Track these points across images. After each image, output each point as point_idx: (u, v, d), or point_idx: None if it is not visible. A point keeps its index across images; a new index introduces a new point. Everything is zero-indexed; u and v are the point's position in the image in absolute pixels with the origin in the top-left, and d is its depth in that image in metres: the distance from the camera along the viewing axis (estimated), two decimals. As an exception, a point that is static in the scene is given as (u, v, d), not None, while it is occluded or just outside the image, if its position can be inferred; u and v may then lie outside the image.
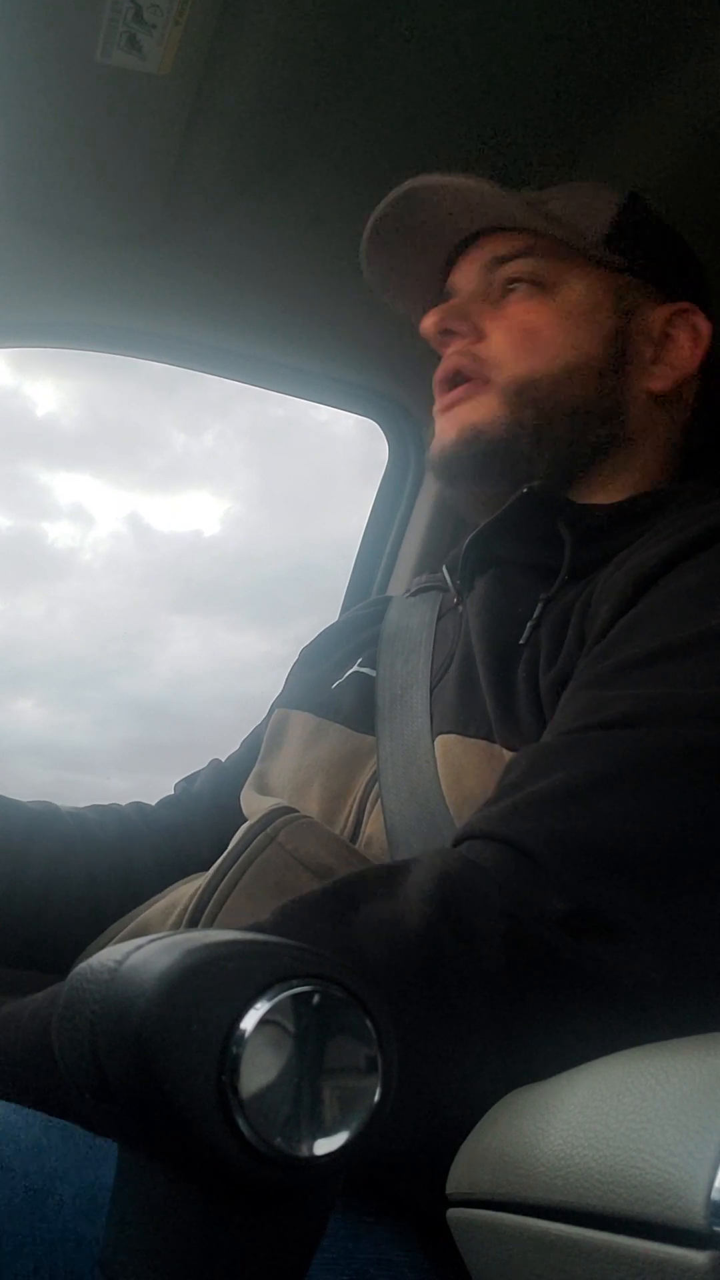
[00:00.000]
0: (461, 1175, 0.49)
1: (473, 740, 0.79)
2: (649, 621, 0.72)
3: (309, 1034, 0.34)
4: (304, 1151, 0.33)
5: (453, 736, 0.81)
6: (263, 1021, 0.33)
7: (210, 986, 0.33)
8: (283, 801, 0.85)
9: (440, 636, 0.94)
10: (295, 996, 0.34)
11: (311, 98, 1.05)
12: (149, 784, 1.16)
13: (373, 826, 0.81)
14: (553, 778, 0.62)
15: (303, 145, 1.11)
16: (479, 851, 0.60)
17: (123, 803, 1.13)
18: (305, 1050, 0.34)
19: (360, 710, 0.92)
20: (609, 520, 0.86)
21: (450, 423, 0.92)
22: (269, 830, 0.79)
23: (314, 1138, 0.33)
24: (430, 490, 1.47)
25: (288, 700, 1.04)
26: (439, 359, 0.96)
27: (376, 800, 0.83)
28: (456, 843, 0.64)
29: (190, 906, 0.77)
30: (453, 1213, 0.49)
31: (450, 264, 0.98)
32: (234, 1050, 0.33)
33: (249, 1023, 0.33)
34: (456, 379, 0.92)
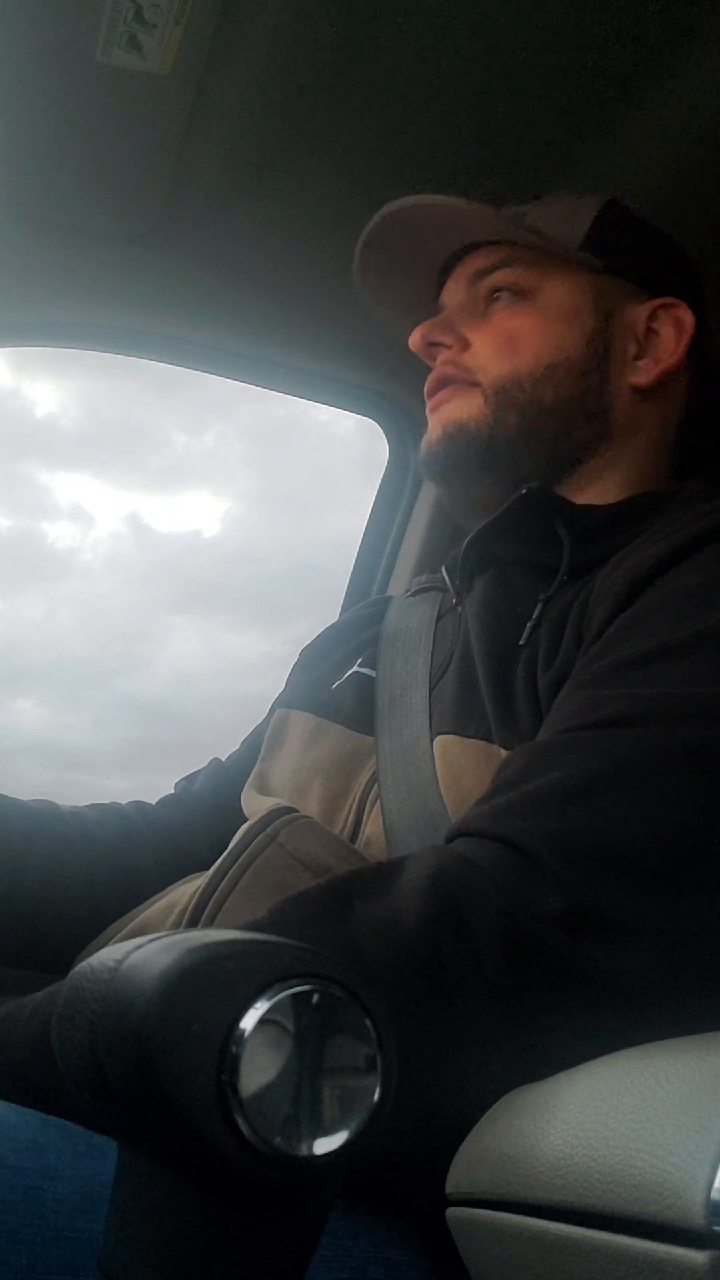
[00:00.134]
0: (461, 1174, 0.49)
1: (471, 740, 0.79)
2: (646, 621, 0.72)
3: (308, 1033, 0.34)
4: (303, 1151, 0.33)
5: (451, 737, 0.81)
6: (262, 1021, 0.33)
7: (210, 986, 0.33)
8: (283, 801, 0.85)
9: (440, 637, 0.94)
10: (295, 996, 0.34)
11: (311, 98, 1.05)
12: (149, 784, 1.16)
13: (372, 827, 0.82)
14: (549, 776, 0.62)
15: (303, 145, 1.11)
16: (475, 849, 0.60)
17: (123, 802, 1.13)
18: (305, 1049, 0.34)
19: (360, 710, 0.92)
20: (608, 520, 0.86)
21: (436, 421, 0.95)
22: (269, 830, 0.79)
23: (313, 1137, 0.34)
24: (430, 490, 1.47)
25: (288, 700, 1.04)
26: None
27: (376, 800, 0.83)
28: (451, 838, 0.64)
29: (190, 906, 0.77)
30: (452, 1212, 0.49)
31: (441, 283, 1.02)
32: (233, 1050, 0.33)
33: (249, 1022, 0.33)
34: (444, 385, 0.95)
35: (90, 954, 0.41)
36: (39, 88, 1.00)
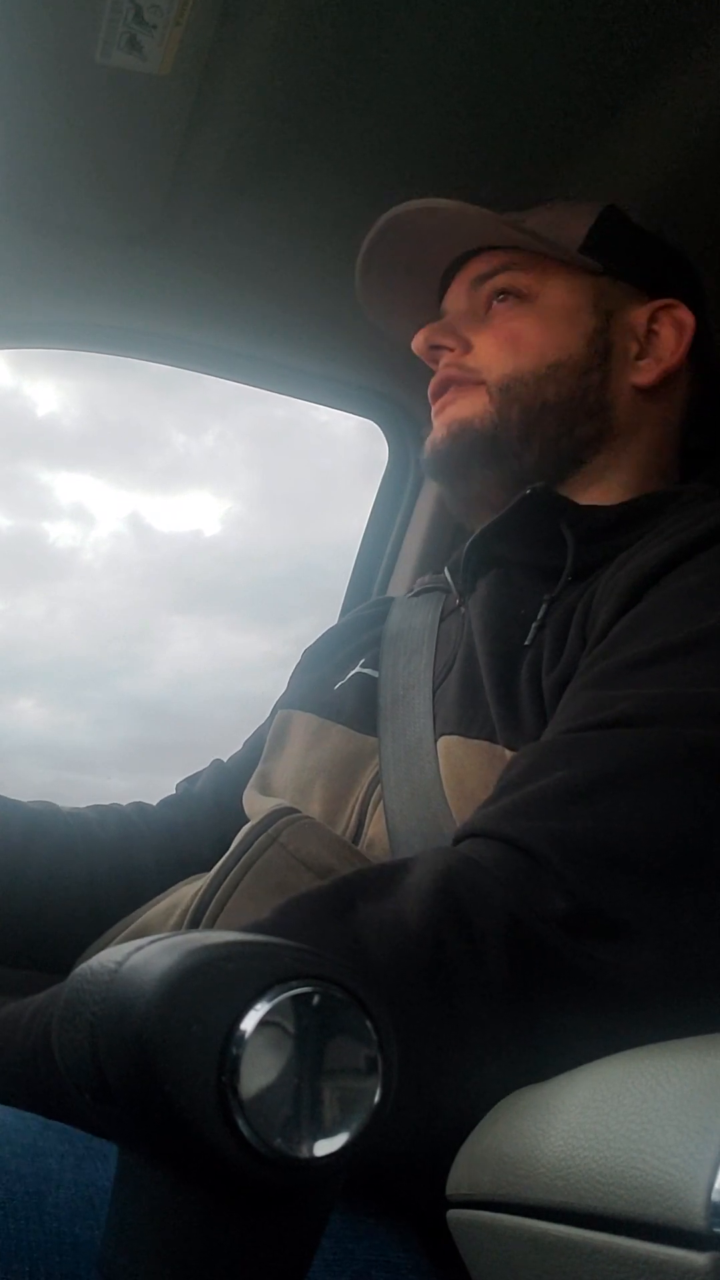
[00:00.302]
0: (462, 1176, 0.49)
1: (475, 741, 0.79)
2: (650, 621, 0.72)
3: (309, 1035, 0.34)
4: (304, 1152, 0.33)
5: (455, 738, 0.81)
6: (263, 1022, 0.33)
7: (210, 987, 0.33)
8: (284, 802, 0.85)
9: (443, 637, 0.94)
10: (295, 997, 0.34)
11: (311, 98, 1.05)
12: (149, 784, 1.16)
13: (375, 828, 0.81)
14: (554, 777, 0.62)
15: (303, 145, 1.10)
16: (479, 850, 0.60)
17: (123, 802, 1.13)
18: (305, 1051, 0.34)
19: (363, 711, 0.92)
20: (612, 521, 0.86)
21: (441, 422, 0.96)
22: (271, 831, 0.79)
23: (314, 1138, 0.33)
24: (430, 491, 1.47)
25: (290, 701, 1.05)
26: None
27: (379, 802, 0.83)
28: (457, 841, 0.64)
29: (191, 907, 0.77)
30: (453, 1214, 0.49)
31: (443, 288, 1.03)
32: (234, 1051, 0.33)
33: (249, 1024, 0.33)
34: (448, 386, 0.96)
35: (91, 955, 0.41)
36: (39, 88, 1.00)
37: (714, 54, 0.97)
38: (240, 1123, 0.32)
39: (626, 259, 0.97)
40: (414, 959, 0.55)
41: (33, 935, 0.96)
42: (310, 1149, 0.33)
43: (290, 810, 0.82)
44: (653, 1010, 0.55)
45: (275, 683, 1.12)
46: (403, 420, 1.48)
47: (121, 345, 1.36)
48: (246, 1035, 0.33)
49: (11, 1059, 0.57)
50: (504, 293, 0.96)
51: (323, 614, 1.56)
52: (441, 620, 0.97)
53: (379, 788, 0.84)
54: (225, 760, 1.15)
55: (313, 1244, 0.36)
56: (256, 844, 0.79)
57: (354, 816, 0.84)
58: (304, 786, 0.90)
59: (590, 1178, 0.38)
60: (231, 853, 0.80)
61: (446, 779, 0.79)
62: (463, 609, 0.94)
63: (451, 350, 0.96)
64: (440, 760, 0.81)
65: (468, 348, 0.96)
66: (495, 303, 0.97)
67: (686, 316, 0.95)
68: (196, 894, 0.78)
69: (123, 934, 0.86)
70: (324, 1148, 0.34)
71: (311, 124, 1.08)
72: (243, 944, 0.35)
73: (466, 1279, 0.48)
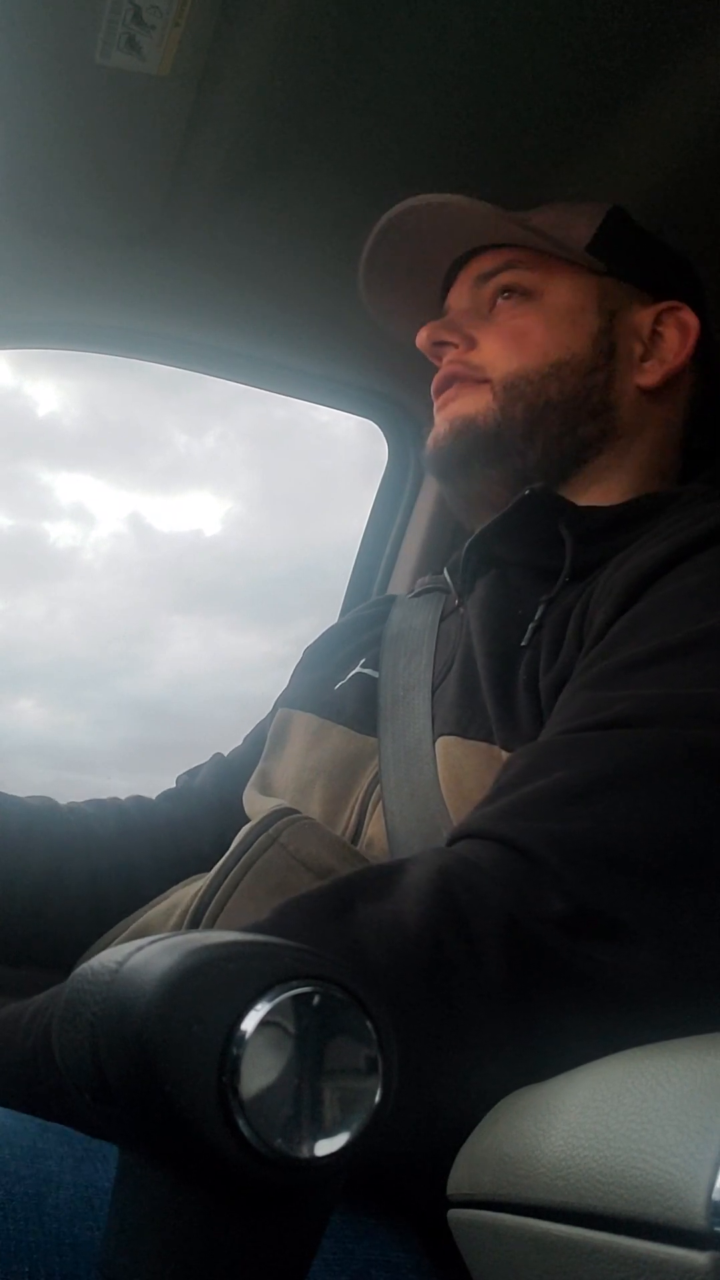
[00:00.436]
0: (462, 1176, 0.49)
1: (472, 742, 0.79)
2: (648, 622, 0.72)
3: (309, 1035, 0.34)
4: (305, 1152, 0.33)
5: (453, 738, 0.81)
6: (263, 1023, 0.33)
7: (211, 988, 0.33)
8: (284, 802, 0.85)
9: (443, 637, 0.94)
10: (295, 998, 0.34)
11: (311, 98, 1.04)
12: (149, 784, 1.16)
13: (374, 828, 0.81)
14: (551, 777, 0.62)
15: (303, 145, 1.10)
16: (476, 851, 0.60)
17: (122, 798, 1.13)
18: (306, 1051, 0.34)
19: (363, 711, 0.92)
20: (610, 522, 0.86)
21: (444, 418, 0.96)
22: (270, 831, 0.79)
23: (315, 1139, 0.33)
24: (430, 491, 1.47)
25: (291, 700, 1.05)
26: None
27: (378, 802, 0.83)
28: (453, 841, 0.63)
29: (191, 908, 0.77)
30: (454, 1213, 0.49)
31: (446, 286, 1.03)
32: (234, 1051, 0.33)
33: (249, 1024, 0.33)
34: (452, 383, 0.96)
35: (92, 956, 0.41)
36: (39, 89, 1.00)
37: (714, 54, 0.97)
38: (241, 1123, 0.32)
39: (631, 260, 0.97)
40: (412, 959, 0.55)
41: (32, 932, 0.96)
42: (311, 1149, 0.33)
43: (290, 811, 0.82)
44: (652, 1011, 0.55)
45: (275, 683, 1.13)
46: (403, 420, 1.48)
47: (122, 345, 1.36)
48: (247, 1035, 0.33)
49: (11, 1060, 0.57)
50: (508, 290, 0.96)
51: (323, 614, 1.56)
52: (441, 620, 0.97)
53: (379, 788, 0.84)
54: (226, 755, 1.15)
55: (313, 1244, 0.36)
56: (256, 844, 0.79)
57: (354, 817, 0.84)
58: (304, 786, 0.90)
59: (591, 1177, 0.38)
60: (231, 853, 0.80)
61: (444, 780, 0.79)
62: (462, 609, 0.94)
63: (455, 347, 0.96)
64: (439, 761, 0.81)
65: (472, 344, 0.96)
66: (499, 300, 0.97)
67: (691, 318, 0.96)
68: (197, 894, 0.78)
69: (123, 934, 0.86)
70: (324, 1148, 0.34)
71: (311, 124, 1.08)
72: (243, 944, 0.35)
73: (467, 1279, 0.48)
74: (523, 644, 0.81)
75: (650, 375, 0.95)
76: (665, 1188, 0.35)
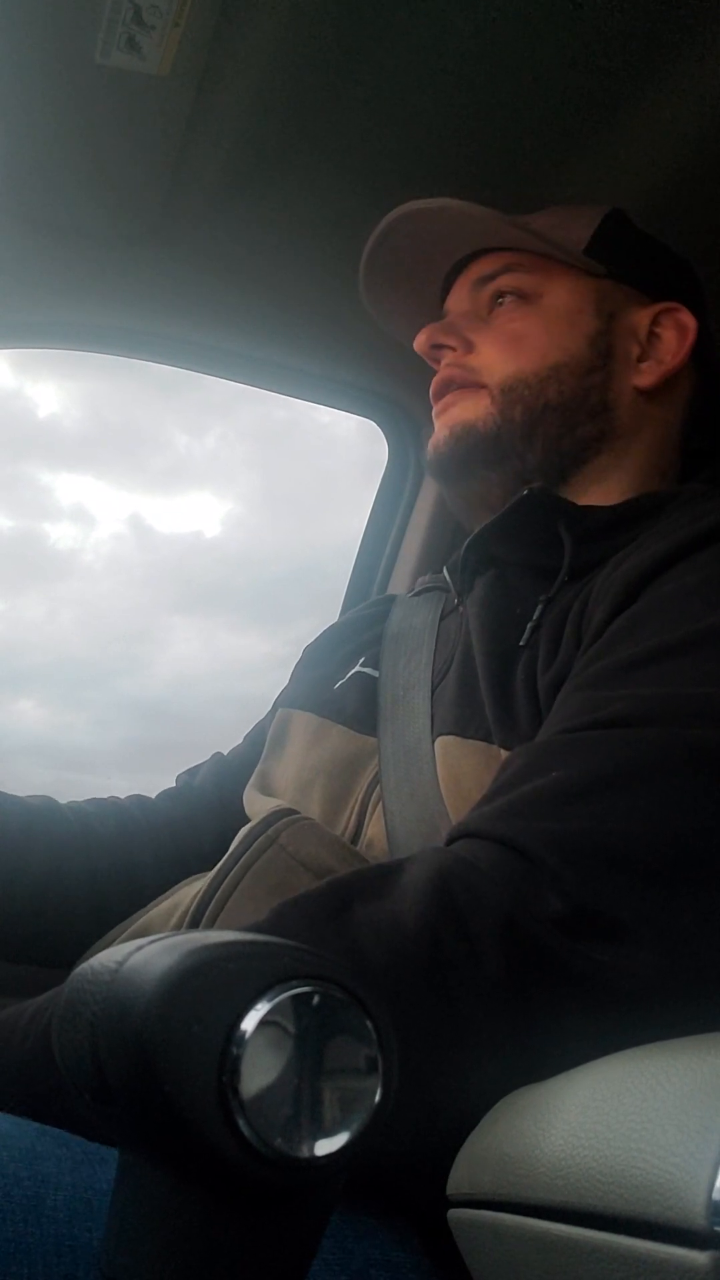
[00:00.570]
0: (462, 1176, 0.49)
1: (471, 741, 0.79)
2: (647, 621, 0.72)
3: (309, 1035, 0.34)
4: (305, 1152, 0.33)
5: (452, 738, 0.81)
6: (263, 1022, 0.33)
7: (210, 987, 0.33)
8: (284, 803, 0.85)
9: (443, 637, 0.94)
10: (295, 997, 0.34)
11: (311, 98, 1.04)
12: (149, 784, 1.16)
13: (374, 828, 0.81)
14: (549, 776, 0.62)
15: (303, 145, 1.10)
16: (475, 850, 0.60)
17: (122, 797, 1.13)
18: (305, 1051, 0.34)
19: (363, 711, 0.92)
20: (609, 521, 0.86)
21: (443, 424, 0.96)
22: (270, 832, 0.79)
23: (315, 1138, 0.33)
24: (430, 491, 1.47)
25: (291, 700, 1.05)
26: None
27: (378, 802, 0.83)
28: (451, 840, 0.63)
29: (191, 908, 0.77)
30: (454, 1213, 0.49)
31: (445, 289, 1.03)
32: (234, 1051, 0.33)
33: (249, 1023, 0.33)
34: (450, 387, 0.96)
35: (93, 956, 0.41)
36: (39, 89, 1.00)
37: (714, 54, 0.97)
38: (241, 1123, 0.32)
39: (629, 262, 0.98)
40: (411, 959, 0.55)
41: (33, 932, 0.96)
42: (311, 1149, 0.33)
43: (289, 811, 0.82)
44: (651, 1010, 0.55)
45: (275, 683, 1.13)
46: (403, 420, 1.48)
47: (122, 345, 1.36)
48: (247, 1035, 0.33)
49: (10, 1061, 0.57)
50: (507, 294, 0.97)
51: (323, 615, 1.56)
52: (441, 620, 0.97)
53: (378, 788, 0.84)
54: (226, 754, 1.15)
55: (313, 1244, 0.36)
56: (256, 845, 0.79)
57: (353, 817, 0.84)
58: (304, 786, 0.90)
59: (591, 1177, 0.38)
60: (231, 853, 0.80)
61: (443, 779, 0.79)
62: (461, 609, 0.94)
63: (454, 350, 0.97)
64: (438, 760, 0.81)
65: (470, 348, 0.96)
66: (498, 304, 0.97)
67: (688, 319, 0.96)
68: (197, 895, 0.78)
69: (124, 934, 0.86)
70: (324, 1147, 0.34)
71: (311, 124, 1.08)
72: (243, 944, 0.35)
73: (467, 1278, 0.48)
74: (521, 643, 0.81)
75: (648, 376, 0.95)
76: (665, 1187, 0.35)
